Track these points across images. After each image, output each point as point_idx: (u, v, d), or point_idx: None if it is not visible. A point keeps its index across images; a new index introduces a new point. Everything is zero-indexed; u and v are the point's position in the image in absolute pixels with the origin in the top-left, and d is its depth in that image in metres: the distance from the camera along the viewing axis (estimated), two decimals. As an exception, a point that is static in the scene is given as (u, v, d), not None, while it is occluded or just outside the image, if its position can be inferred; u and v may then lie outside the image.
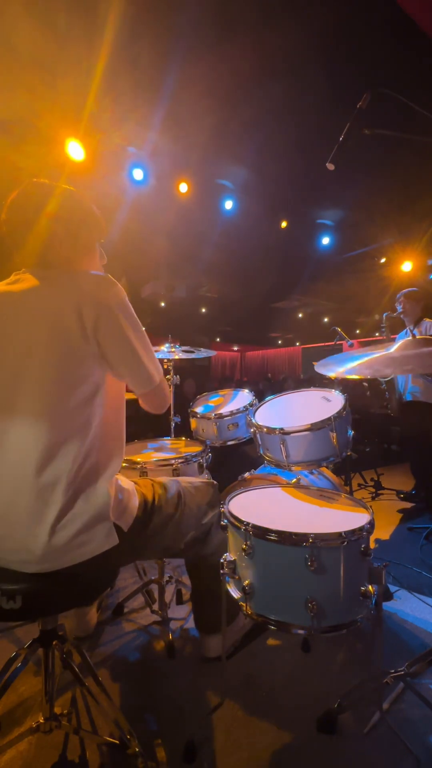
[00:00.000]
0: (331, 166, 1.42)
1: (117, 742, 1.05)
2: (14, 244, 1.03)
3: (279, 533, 1.01)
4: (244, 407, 1.85)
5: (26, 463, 0.89)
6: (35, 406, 0.91)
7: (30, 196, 1.02)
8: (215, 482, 1.38)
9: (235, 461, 2.70)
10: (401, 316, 2.91)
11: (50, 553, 0.88)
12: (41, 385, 0.92)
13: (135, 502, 1.06)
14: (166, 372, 2.11)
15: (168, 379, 2.10)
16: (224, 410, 1.89)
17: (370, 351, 1.31)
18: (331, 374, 1.26)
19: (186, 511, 1.18)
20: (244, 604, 1.07)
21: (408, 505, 3.08)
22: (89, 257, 1.13)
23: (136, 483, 1.16)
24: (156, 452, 1.76)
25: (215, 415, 1.87)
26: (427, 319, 2.79)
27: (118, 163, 3.85)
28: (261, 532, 1.03)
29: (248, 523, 1.06)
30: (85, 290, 0.96)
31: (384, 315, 2.96)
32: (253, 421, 1.59)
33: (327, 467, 1.66)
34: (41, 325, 0.93)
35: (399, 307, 2.90)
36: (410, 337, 1.27)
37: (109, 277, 1.01)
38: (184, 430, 2.12)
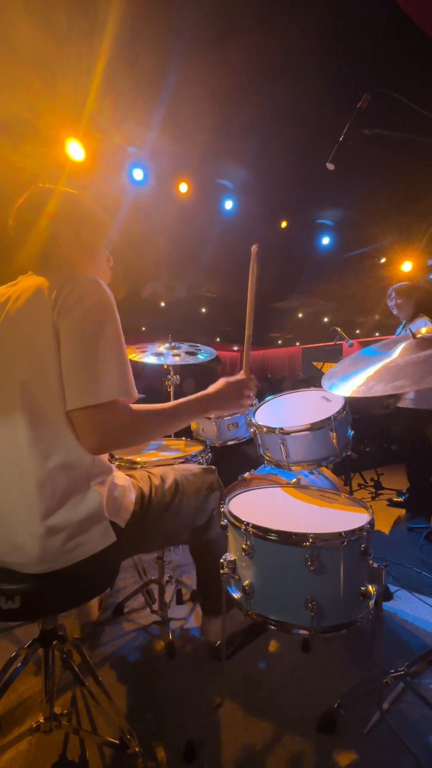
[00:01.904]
0: (331, 166, 1.42)
1: (117, 742, 1.05)
2: (20, 246, 1.05)
3: (279, 533, 1.01)
4: (244, 407, 1.85)
5: (18, 466, 0.89)
6: (23, 406, 0.89)
7: (32, 199, 1.04)
8: (214, 467, 1.38)
9: (235, 461, 2.70)
10: (394, 312, 2.88)
11: (47, 554, 0.88)
12: (26, 383, 0.90)
13: (131, 497, 1.06)
14: (166, 372, 2.10)
15: (168, 379, 2.10)
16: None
17: (376, 350, 1.31)
18: (335, 390, 1.23)
19: (184, 498, 1.18)
20: (244, 605, 1.07)
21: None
22: (92, 257, 1.13)
23: (132, 477, 1.16)
24: (156, 452, 1.76)
25: (215, 415, 1.87)
26: (423, 316, 2.74)
27: (118, 163, 3.85)
28: (261, 532, 1.03)
29: (248, 523, 1.06)
30: (68, 285, 0.93)
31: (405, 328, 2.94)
32: (253, 420, 1.59)
33: (327, 467, 1.66)
34: (25, 323, 0.92)
35: (390, 303, 2.87)
36: (410, 335, 1.27)
37: (97, 279, 0.97)
38: (184, 430, 2.11)
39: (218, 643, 1.37)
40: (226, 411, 1.18)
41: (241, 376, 1.20)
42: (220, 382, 1.17)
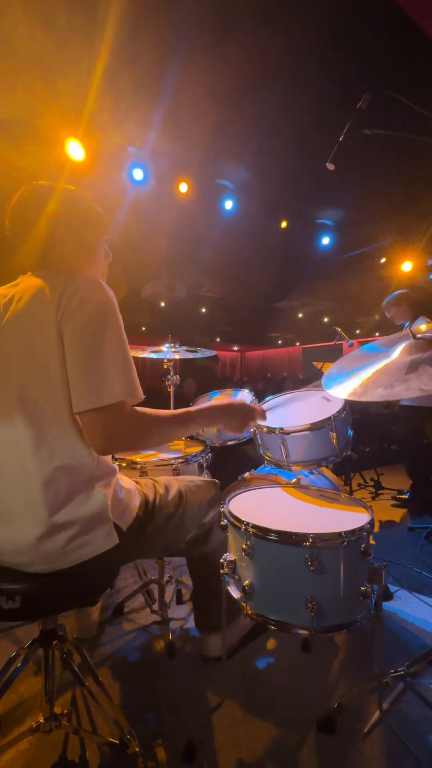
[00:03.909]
0: (331, 166, 1.42)
1: (117, 742, 1.05)
2: (18, 246, 1.04)
3: (279, 533, 1.01)
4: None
5: (21, 466, 0.89)
6: (20, 407, 0.89)
7: (29, 198, 1.03)
8: (217, 481, 1.38)
9: (235, 461, 2.70)
10: (396, 322, 2.87)
11: (49, 554, 0.88)
12: (25, 385, 0.90)
13: (136, 502, 1.06)
14: (166, 372, 2.10)
15: (168, 379, 2.10)
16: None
17: (377, 347, 1.31)
18: (331, 391, 1.24)
19: (187, 510, 1.18)
20: (244, 604, 1.07)
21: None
22: (92, 256, 1.12)
23: (137, 483, 1.16)
24: (156, 452, 1.76)
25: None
26: (423, 317, 2.73)
27: (118, 163, 3.85)
28: (261, 532, 1.03)
29: (248, 523, 1.06)
30: (70, 287, 0.92)
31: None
32: (253, 421, 1.59)
33: (327, 467, 1.66)
34: (27, 326, 0.92)
35: (389, 316, 2.87)
36: (410, 336, 1.27)
37: (98, 280, 0.96)
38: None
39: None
40: (229, 428, 1.20)
41: (258, 407, 1.25)
42: (237, 400, 1.21)
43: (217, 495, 1.33)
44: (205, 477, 1.56)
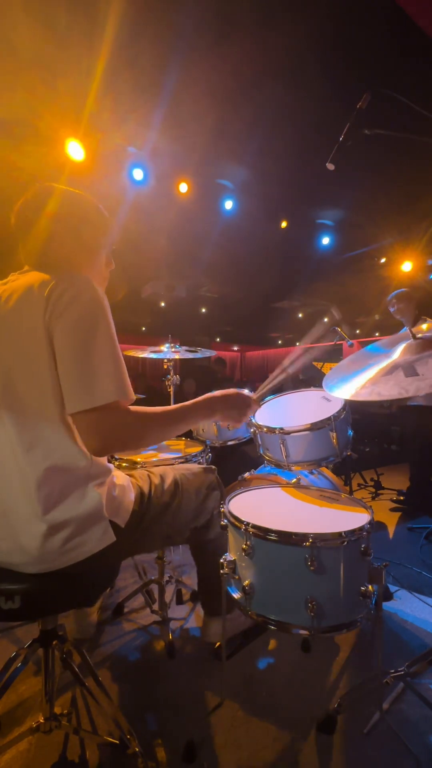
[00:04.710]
0: (331, 166, 1.42)
1: (117, 742, 1.05)
2: (19, 245, 1.05)
3: (279, 533, 1.01)
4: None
5: (17, 466, 0.89)
6: (7, 406, 0.89)
7: (33, 199, 1.03)
8: (213, 467, 1.38)
9: (235, 461, 2.70)
10: (397, 317, 2.89)
11: (47, 554, 0.89)
12: (10, 384, 0.90)
13: (131, 497, 1.06)
14: (166, 372, 2.10)
15: (168, 380, 2.10)
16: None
17: (379, 347, 1.31)
18: (334, 392, 1.23)
19: (184, 497, 1.18)
20: (244, 605, 1.07)
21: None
22: (92, 257, 1.11)
23: (131, 476, 1.16)
24: (156, 452, 1.76)
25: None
26: (426, 319, 2.76)
27: (118, 163, 3.85)
28: (261, 532, 1.03)
29: (248, 523, 1.06)
30: (60, 285, 0.90)
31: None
32: (253, 421, 1.59)
33: (327, 467, 1.66)
34: (16, 324, 0.92)
35: (392, 309, 2.89)
36: (410, 336, 1.27)
37: (89, 278, 0.95)
38: (184, 430, 2.11)
39: (218, 644, 1.37)
40: (228, 418, 1.19)
41: (252, 396, 1.23)
42: (232, 390, 1.19)
43: (215, 480, 1.32)
44: (202, 465, 1.56)
